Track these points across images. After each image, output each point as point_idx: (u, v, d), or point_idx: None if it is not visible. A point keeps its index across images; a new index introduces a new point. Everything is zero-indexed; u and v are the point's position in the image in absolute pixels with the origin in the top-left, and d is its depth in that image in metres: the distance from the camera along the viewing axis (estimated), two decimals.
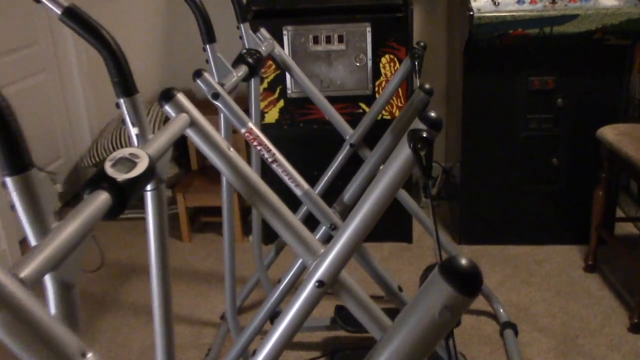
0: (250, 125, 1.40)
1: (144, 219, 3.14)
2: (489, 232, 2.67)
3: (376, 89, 2.47)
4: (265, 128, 2.57)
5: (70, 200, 3.34)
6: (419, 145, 1.09)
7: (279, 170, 1.42)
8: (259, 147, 1.41)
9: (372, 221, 1.15)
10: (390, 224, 2.43)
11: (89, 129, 3.35)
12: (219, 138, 1.15)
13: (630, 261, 2.16)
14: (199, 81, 1.38)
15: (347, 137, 1.98)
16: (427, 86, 1.37)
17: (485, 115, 2.50)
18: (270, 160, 1.41)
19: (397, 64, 2.44)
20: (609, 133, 2.19)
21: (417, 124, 1.10)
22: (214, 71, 1.56)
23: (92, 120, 3.37)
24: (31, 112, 3.00)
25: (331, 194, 2.47)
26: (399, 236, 2.74)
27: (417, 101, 1.37)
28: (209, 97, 1.39)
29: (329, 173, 2.02)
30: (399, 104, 2.47)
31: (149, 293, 2.47)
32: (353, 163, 2.12)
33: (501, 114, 2.49)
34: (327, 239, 1.52)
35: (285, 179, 1.42)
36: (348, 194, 1.49)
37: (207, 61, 1.55)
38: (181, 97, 1.13)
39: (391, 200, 1.17)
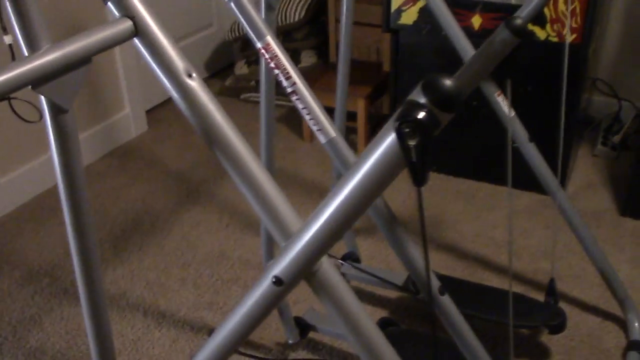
0: (269, 39, 1.04)
1: (279, 106, 2.70)
2: None
3: None
4: (401, 30, 2.13)
5: (214, 73, 3.22)
6: (406, 130, 0.67)
7: (299, 106, 1.06)
8: (276, 71, 1.05)
9: (341, 223, 0.79)
10: None
11: None
12: (175, 58, 0.84)
13: None
14: None
15: None
16: (517, 21, 0.87)
17: None
18: (289, 90, 1.05)
19: None
20: None
21: (417, 94, 0.68)
22: None
23: None
24: None
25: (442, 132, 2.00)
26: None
27: (497, 42, 0.88)
28: None
29: None
30: (574, 24, 1.86)
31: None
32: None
33: None
34: None
35: (306, 117, 1.06)
36: None
37: None
38: None
39: (374, 199, 0.78)
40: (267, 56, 1.05)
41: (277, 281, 0.86)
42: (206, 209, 2.19)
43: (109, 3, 0.81)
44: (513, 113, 1.52)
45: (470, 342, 1.14)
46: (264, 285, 0.88)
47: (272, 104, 1.33)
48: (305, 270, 0.84)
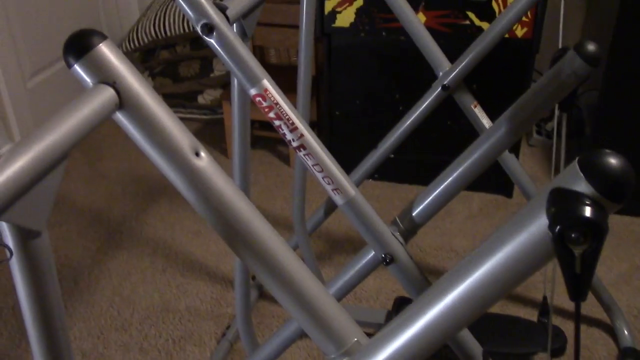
0: (266, 83, 0.82)
1: (192, 120, 2.35)
2: None
3: None
4: (336, 33, 1.94)
5: None
6: (572, 236, 0.48)
7: (308, 162, 0.85)
8: (276, 122, 0.83)
9: (438, 338, 0.61)
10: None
11: (137, 2, 2.80)
12: (176, 132, 0.61)
13: None
14: (180, 0, 0.79)
15: (440, 75, 1.35)
16: (591, 47, 0.71)
17: None
18: (295, 144, 0.84)
19: None
20: None
21: (574, 180, 0.50)
22: None
23: None
24: None
25: (411, 149, 1.86)
26: (495, 186, 2.12)
27: (566, 75, 0.73)
28: (198, 30, 0.80)
29: (409, 121, 1.42)
30: (524, 18, 1.76)
31: (176, 222, 1.95)
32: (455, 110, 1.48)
33: None
34: (373, 268, 0.97)
35: (319, 176, 0.85)
36: (421, 206, 0.90)
37: None
38: (106, 51, 0.59)
39: (492, 305, 0.60)
40: (264, 104, 0.82)
41: None
42: (135, 253, 1.90)
43: (76, 66, 0.58)
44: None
45: None
46: None
47: (248, 137, 1.10)
48: None
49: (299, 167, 1.50)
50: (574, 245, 0.48)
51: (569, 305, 1.68)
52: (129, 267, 1.84)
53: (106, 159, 2.38)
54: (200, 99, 2.49)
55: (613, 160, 0.48)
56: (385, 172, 2.14)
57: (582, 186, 0.48)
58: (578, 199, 0.48)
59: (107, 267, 1.85)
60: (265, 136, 2.42)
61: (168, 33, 2.39)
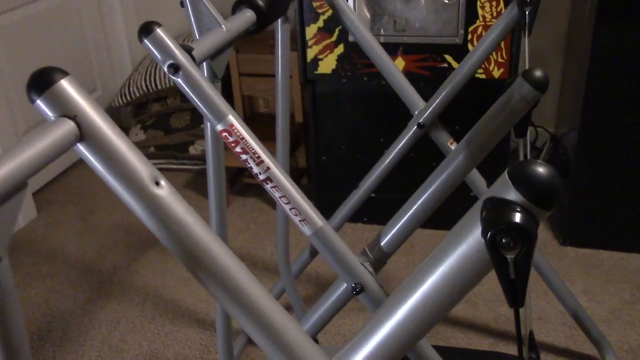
0: (232, 119, 0.85)
1: (184, 171, 2.38)
2: (607, 232, 2.01)
3: (469, 36, 1.81)
4: (319, 79, 1.99)
5: None
6: (503, 241, 0.50)
7: (275, 194, 0.87)
8: (243, 156, 0.86)
9: (408, 341, 0.62)
10: (459, 206, 1.76)
11: (129, 57, 2.88)
12: (136, 163, 0.63)
13: None
14: (147, 42, 0.83)
15: (415, 113, 1.38)
16: (537, 73, 0.75)
17: (621, 76, 1.80)
18: (262, 177, 0.86)
19: (502, 5, 1.76)
20: None
21: (504, 189, 0.52)
22: (193, 23, 1.00)
23: (134, 46, 2.88)
24: (62, 34, 2.55)
25: (390, 188, 1.89)
26: None
27: (516, 100, 0.76)
28: (165, 69, 0.84)
29: (388, 160, 1.45)
30: (499, 59, 1.81)
31: (166, 270, 1.95)
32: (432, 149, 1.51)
33: None
34: (346, 299, 0.98)
35: (286, 208, 0.87)
36: (389, 235, 0.92)
37: (183, 4, 0.98)
38: (67, 86, 0.63)
39: (439, 319, 0.62)
40: (231, 140, 0.85)
41: None
42: (125, 302, 1.90)
43: (38, 101, 0.61)
44: None
45: None
46: None
47: (223, 180, 1.13)
48: None
49: (281, 209, 1.52)
50: (506, 251, 0.50)
51: (559, 341, 1.68)
52: (119, 317, 1.84)
53: (99, 212, 2.40)
54: (192, 150, 2.53)
55: (540, 169, 0.51)
56: (374, 214, 2.15)
57: (512, 194, 0.50)
58: (508, 205, 0.50)
59: (96, 316, 1.85)
60: (255, 184, 2.45)
61: (159, 86, 2.45)
